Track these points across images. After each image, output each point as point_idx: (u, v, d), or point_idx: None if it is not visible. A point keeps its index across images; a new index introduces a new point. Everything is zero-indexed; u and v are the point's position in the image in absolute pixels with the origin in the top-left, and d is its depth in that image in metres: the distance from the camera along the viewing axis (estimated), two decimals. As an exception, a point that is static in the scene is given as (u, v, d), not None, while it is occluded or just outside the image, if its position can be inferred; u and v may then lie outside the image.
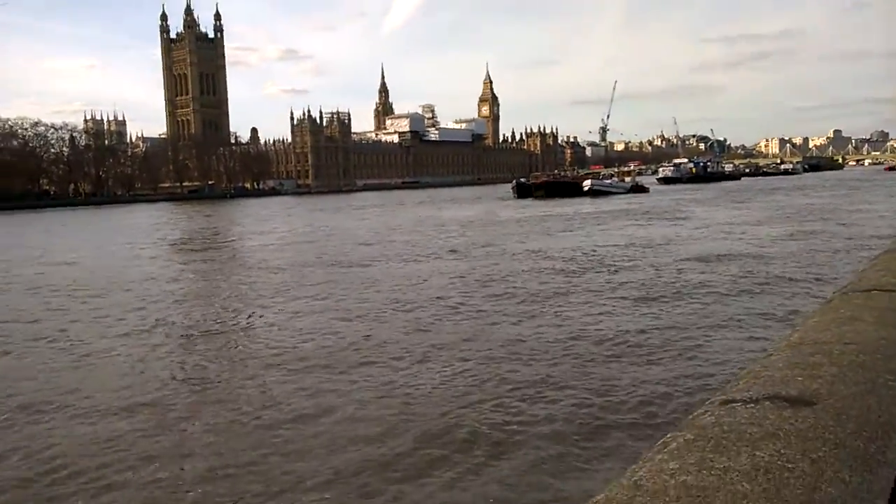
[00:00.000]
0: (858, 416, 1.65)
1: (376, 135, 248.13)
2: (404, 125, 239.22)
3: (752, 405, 1.68)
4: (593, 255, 26.73)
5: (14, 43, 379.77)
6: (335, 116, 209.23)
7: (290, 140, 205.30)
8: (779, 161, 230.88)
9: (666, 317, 14.77)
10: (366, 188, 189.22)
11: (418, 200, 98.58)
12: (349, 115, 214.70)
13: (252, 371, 11.97)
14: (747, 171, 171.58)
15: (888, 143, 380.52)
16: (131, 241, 43.49)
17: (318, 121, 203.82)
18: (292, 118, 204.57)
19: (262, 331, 15.60)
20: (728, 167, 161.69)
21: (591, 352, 12.02)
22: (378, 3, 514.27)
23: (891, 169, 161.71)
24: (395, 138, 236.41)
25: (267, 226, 56.13)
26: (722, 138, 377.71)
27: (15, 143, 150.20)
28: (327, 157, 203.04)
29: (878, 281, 3.45)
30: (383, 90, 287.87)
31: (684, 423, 1.67)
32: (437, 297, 18.19)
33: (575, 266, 23.83)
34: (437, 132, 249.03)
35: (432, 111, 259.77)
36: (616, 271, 22.20)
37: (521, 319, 15.14)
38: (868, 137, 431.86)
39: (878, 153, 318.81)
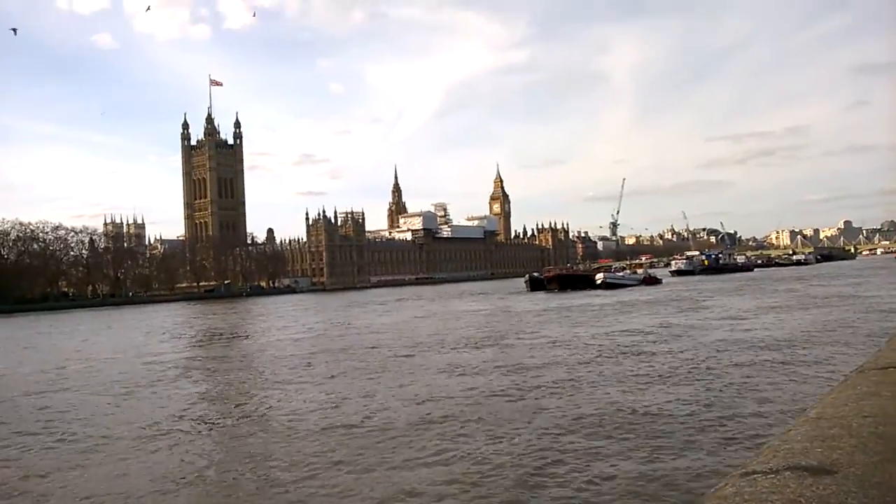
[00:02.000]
0: (881, 483, 1.63)
1: (390, 233, 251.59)
2: (417, 223, 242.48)
3: (773, 475, 1.67)
4: (628, 341, 26.57)
5: (42, 150, 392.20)
6: (349, 216, 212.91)
7: (305, 239, 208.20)
8: (791, 252, 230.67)
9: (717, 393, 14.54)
10: (379, 284, 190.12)
11: (433, 296, 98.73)
12: (363, 214, 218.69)
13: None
14: (759, 262, 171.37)
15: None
16: (164, 339, 43.71)
17: (332, 220, 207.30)
18: (307, 218, 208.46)
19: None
20: (740, 259, 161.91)
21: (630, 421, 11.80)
22: (392, 109, 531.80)
23: None
24: (409, 236, 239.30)
25: (289, 321, 56.19)
26: (732, 231, 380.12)
27: (36, 246, 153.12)
28: (342, 256, 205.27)
29: (893, 359, 3.46)
30: (396, 190, 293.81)
31: (705, 497, 1.67)
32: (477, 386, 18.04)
33: (609, 351, 23.79)
34: (449, 229, 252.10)
35: (444, 209, 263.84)
36: (653, 354, 22.25)
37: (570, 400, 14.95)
38: (879, 227, 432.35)
39: (888, 242, 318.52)
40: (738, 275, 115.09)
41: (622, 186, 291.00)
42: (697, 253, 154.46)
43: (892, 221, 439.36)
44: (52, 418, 17.63)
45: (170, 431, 15.36)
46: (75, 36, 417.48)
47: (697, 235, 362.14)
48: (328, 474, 11.15)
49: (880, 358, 3.69)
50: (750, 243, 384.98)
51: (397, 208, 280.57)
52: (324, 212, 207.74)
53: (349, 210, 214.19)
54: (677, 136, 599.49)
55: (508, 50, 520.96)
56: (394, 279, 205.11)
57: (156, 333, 50.71)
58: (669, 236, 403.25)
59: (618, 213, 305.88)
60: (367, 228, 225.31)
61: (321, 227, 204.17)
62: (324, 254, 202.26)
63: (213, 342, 41.79)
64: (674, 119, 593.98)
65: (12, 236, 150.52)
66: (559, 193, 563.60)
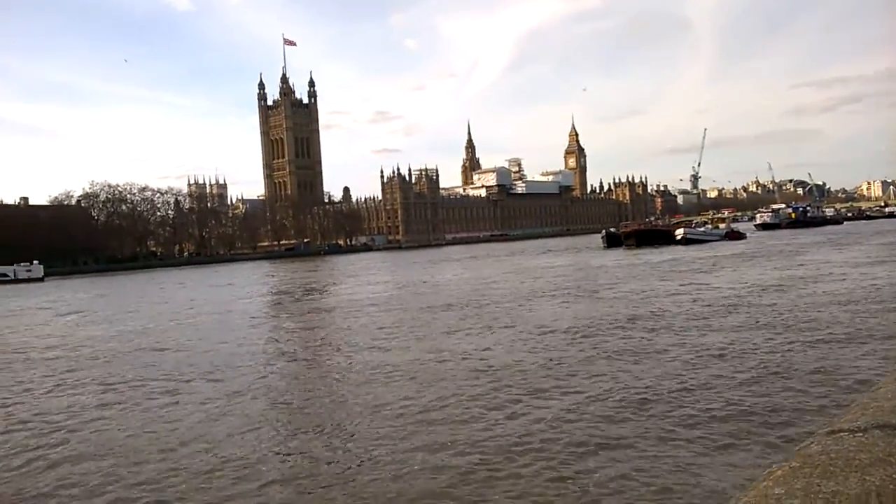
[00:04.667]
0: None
1: (464, 189, 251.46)
2: (491, 179, 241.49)
3: (861, 434, 1.65)
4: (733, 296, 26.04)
5: (126, 112, 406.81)
6: (424, 173, 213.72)
7: (380, 197, 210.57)
8: (883, 204, 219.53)
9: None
10: (454, 242, 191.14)
11: (509, 252, 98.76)
12: (437, 171, 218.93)
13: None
14: (849, 214, 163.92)
15: None
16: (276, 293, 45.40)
17: (407, 178, 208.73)
18: (382, 176, 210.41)
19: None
20: (829, 211, 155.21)
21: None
22: (465, 63, 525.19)
23: None
24: (483, 192, 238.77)
25: (384, 276, 57.70)
26: (820, 182, 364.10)
27: (124, 207, 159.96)
28: (416, 213, 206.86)
29: None
30: (470, 146, 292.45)
31: (791, 454, 1.65)
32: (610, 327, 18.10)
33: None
34: (523, 185, 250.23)
35: (519, 164, 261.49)
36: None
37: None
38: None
39: None
40: (826, 228, 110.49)
41: (703, 137, 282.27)
42: (783, 206, 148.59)
43: None
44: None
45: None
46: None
47: (783, 187, 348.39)
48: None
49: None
50: (839, 195, 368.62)
51: (471, 164, 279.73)
52: (398, 169, 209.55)
53: (423, 167, 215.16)
54: (761, 83, 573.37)
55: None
56: (468, 236, 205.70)
57: (260, 289, 52.93)
58: (754, 189, 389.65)
59: (699, 165, 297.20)
60: (442, 185, 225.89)
61: (396, 184, 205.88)
62: (399, 211, 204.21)
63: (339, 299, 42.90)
64: (757, 65, 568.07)
65: (102, 198, 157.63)
66: (637, 146, 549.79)
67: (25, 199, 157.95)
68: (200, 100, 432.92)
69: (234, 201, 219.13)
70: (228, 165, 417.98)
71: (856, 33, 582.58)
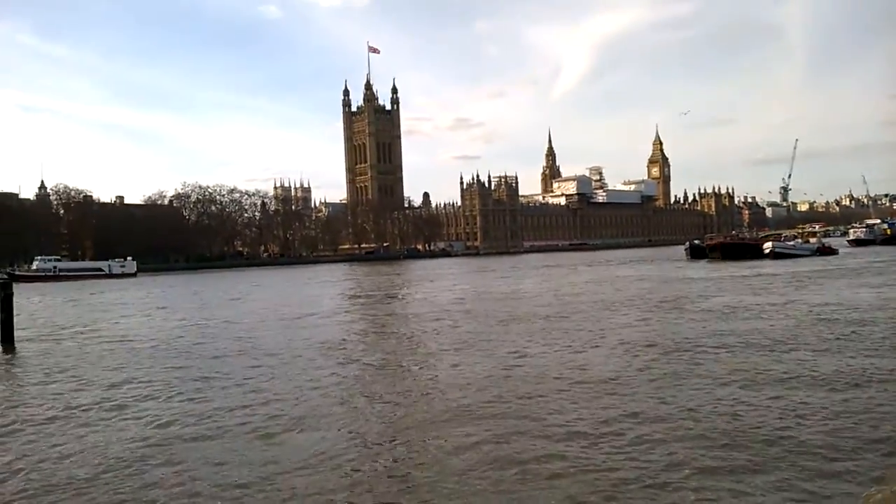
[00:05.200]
0: None
1: (543, 197, 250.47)
2: (571, 188, 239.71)
3: None
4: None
5: (217, 117, 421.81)
6: (503, 180, 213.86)
7: (459, 203, 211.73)
8: None
9: None
10: (532, 250, 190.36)
11: (589, 261, 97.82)
12: (516, 178, 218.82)
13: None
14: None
15: None
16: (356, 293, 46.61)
17: (486, 185, 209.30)
18: (462, 182, 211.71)
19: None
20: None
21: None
22: (548, 68, 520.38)
23: None
24: (563, 201, 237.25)
25: (467, 283, 57.86)
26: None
27: (213, 208, 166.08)
28: (495, 220, 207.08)
29: None
30: (550, 153, 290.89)
31: (888, 477, 1.72)
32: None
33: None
34: (604, 194, 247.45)
35: (600, 173, 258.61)
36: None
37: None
38: None
39: None
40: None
41: (794, 148, 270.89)
42: (879, 221, 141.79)
43: None
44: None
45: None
46: (245, 8, 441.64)
47: (878, 202, 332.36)
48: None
49: None
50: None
51: (551, 172, 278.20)
52: (477, 176, 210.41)
53: (503, 174, 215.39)
54: (856, 93, 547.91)
55: (670, 3, 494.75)
56: (546, 245, 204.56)
57: (344, 290, 54.25)
58: (847, 203, 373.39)
59: (789, 176, 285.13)
60: (521, 193, 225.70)
61: (475, 191, 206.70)
62: (477, 218, 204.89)
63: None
64: (852, 73, 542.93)
65: (193, 199, 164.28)
66: (723, 156, 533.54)
67: (121, 197, 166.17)
68: (288, 106, 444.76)
69: (317, 205, 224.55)
70: (313, 170, 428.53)
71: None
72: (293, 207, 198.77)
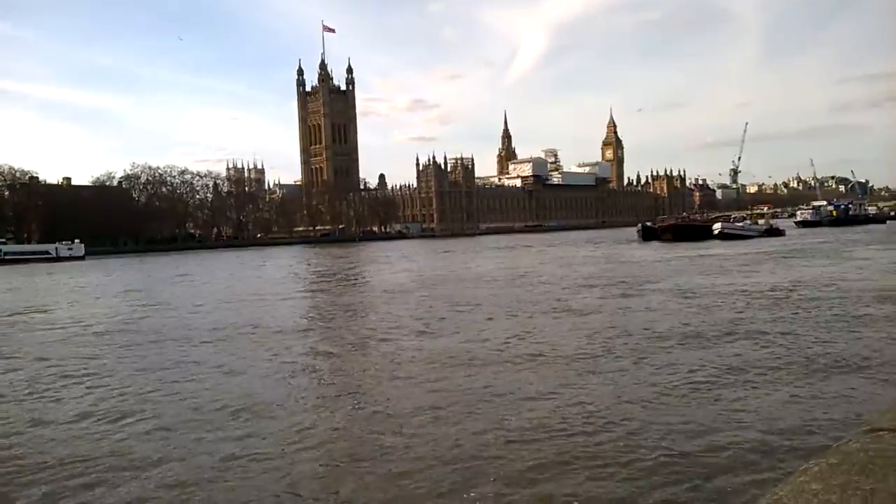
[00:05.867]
0: None
1: (499, 179, 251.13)
2: (527, 170, 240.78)
3: (900, 434, 1.73)
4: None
5: (168, 96, 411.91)
6: (459, 162, 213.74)
7: (415, 185, 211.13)
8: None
9: None
10: (488, 231, 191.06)
11: (545, 243, 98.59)
12: (472, 160, 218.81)
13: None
14: (893, 213, 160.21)
15: None
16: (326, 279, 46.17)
17: (442, 166, 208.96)
18: (418, 164, 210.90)
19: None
20: (872, 210, 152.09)
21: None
22: (504, 51, 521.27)
23: None
24: (518, 182, 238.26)
25: (430, 263, 57.87)
26: (864, 180, 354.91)
27: (164, 189, 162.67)
28: (451, 202, 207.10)
29: None
30: (506, 136, 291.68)
31: (829, 451, 1.72)
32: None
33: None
34: (559, 176, 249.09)
35: (555, 155, 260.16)
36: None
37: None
38: None
39: None
40: (869, 227, 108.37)
41: (744, 131, 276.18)
42: (825, 203, 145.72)
43: None
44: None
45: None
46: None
47: (825, 184, 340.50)
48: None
49: None
50: (882, 193, 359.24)
51: (507, 154, 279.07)
52: (434, 158, 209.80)
53: (459, 156, 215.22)
54: (806, 78, 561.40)
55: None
56: (502, 226, 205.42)
57: (299, 272, 53.74)
58: (795, 185, 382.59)
59: (739, 159, 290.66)
60: (477, 174, 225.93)
61: (431, 173, 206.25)
62: (434, 200, 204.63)
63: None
64: (803, 59, 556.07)
65: (143, 180, 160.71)
66: (676, 139, 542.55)
67: (68, 179, 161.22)
68: (241, 86, 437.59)
69: (271, 186, 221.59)
70: (267, 151, 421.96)
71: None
72: (246, 189, 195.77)
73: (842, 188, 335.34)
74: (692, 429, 9.86)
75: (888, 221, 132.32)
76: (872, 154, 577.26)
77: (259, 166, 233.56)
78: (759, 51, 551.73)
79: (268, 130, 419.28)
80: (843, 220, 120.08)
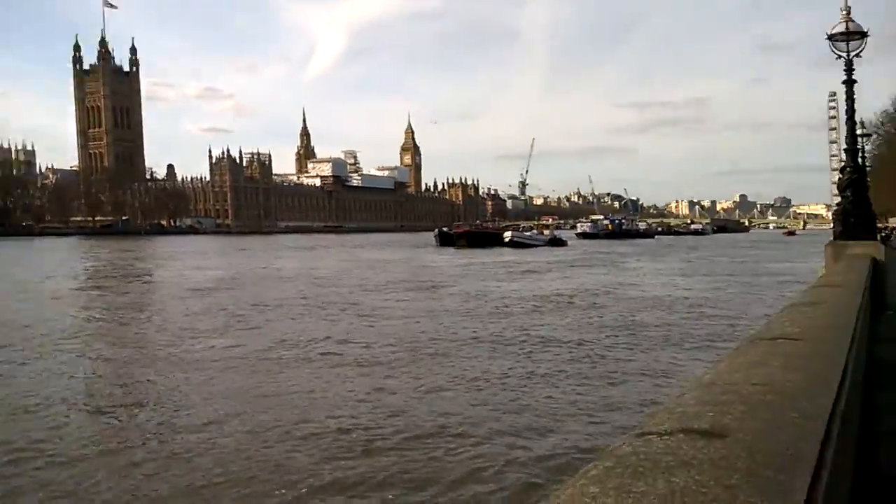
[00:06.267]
0: (768, 449, 1.70)
1: (298, 178, 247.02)
2: (326, 169, 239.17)
3: (667, 437, 1.74)
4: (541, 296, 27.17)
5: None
6: (256, 157, 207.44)
7: (208, 178, 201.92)
8: (689, 221, 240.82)
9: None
10: (287, 230, 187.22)
11: (345, 244, 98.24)
12: (270, 156, 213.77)
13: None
14: (660, 229, 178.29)
15: (790, 210, 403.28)
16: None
17: (238, 160, 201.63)
18: (211, 156, 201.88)
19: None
20: (642, 225, 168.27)
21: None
22: (301, 48, 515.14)
23: (789, 234, 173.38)
24: (317, 182, 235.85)
25: (210, 262, 54.59)
26: (635, 198, 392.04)
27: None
28: (248, 198, 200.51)
29: (783, 330, 3.65)
30: (305, 133, 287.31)
31: (604, 454, 1.71)
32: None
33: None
34: (359, 178, 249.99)
35: (355, 157, 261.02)
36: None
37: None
38: (772, 203, 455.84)
39: (780, 218, 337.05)
40: (639, 241, 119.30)
41: (531, 146, 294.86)
42: (602, 217, 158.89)
43: (784, 198, 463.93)
44: None
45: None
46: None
47: (602, 200, 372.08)
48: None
49: (770, 328, 3.87)
50: (651, 211, 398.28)
51: (306, 153, 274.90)
52: (228, 151, 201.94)
53: (255, 150, 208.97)
54: (588, 100, 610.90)
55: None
56: (301, 225, 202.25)
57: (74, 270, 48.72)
58: (576, 199, 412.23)
59: (527, 172, 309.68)
60: (275, 171, 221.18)
61: (225, 166, 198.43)
62: (228, 195, 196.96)
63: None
64: (586, 82, 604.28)
65: None
66: (471, 149, 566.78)
67: None
68: (8, 59, 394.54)
69: (43, 170, 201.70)
70: (38, 131, 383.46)
71: (673, 61, 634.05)
72: (13, 172, 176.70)
73: (616, 204, 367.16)
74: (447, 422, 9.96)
75: (657, 236, 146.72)
76: (642, 175, 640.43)
77: (29, 147, 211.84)
78: (546, 72, 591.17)
79: (39, 110, 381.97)
80: (618, 233, 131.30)
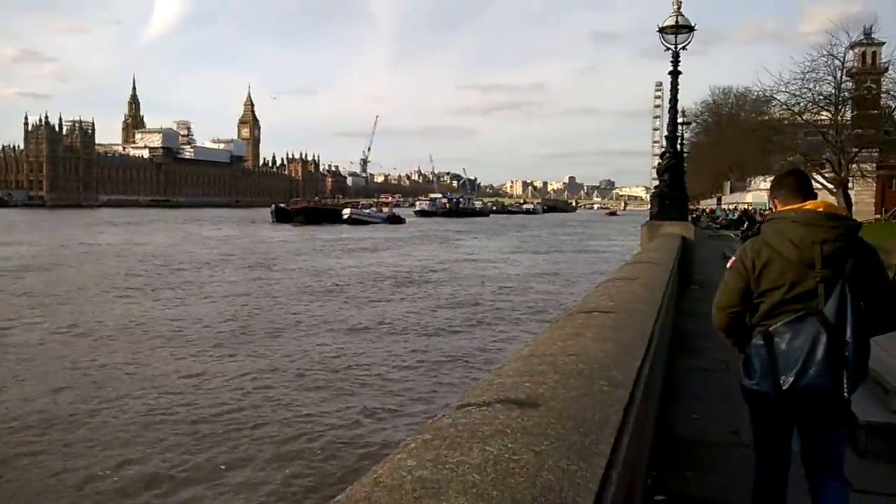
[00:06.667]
0: (576, 416, 1.82)
1: (124, 148, 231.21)
2: (156, 140, 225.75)
3: (486, 407, 1.81)
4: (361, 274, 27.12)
5: None
6: (78, 125, 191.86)
7: (23, 147, 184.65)
8: (522, 201, 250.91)
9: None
10: (109, 204, 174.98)
11: (175, 219, 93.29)
12: (93, 125, 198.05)
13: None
14: (495, 208, 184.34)
15: (614, 191, 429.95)
16: None
17: (57, 128, 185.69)
18: (27, 124, 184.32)
19: None
20: (478, 204, 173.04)
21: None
22: (136, 11, 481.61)
23: (611, 214, 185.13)
24: (146, 154, 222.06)
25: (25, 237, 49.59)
26: (473, 177, 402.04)
27: None
28: (66, 169, 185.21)
29: (598, 304, 3.90)
30: (134, 101, 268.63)
31: (424, 426, 1.74)
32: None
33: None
34: (192, 150, 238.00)
35: (188, 128, 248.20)
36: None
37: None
38: (598, 185, 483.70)
39: (604, 199, 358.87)
40: (475, 219, 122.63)
41: (375, 124, 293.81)
42: (441, 196, 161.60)
43: (608, 180, 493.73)
44: None
45: None
46: None
47: (441, 179, 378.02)
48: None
49: (586, 302, 4.12)
50: (487, 190, 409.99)
51: (134, 122, 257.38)
52: (46, 118, 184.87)
53: (78, 118, 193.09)
54: (432, 80, 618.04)
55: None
56: (127, 199, 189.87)
57: None
58: (416, 178, 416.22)
59: (369, 150, 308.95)
60: (99, 141, 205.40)
61: (42, 135, 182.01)
62: (44, 165, 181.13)
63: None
64: (430, 62, 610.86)
65: None
66: (314, 124, 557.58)
67: None
68: None
69: None
70: None
71: (515, 46, 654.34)
72: None
73: (455, 183, 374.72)
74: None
75: (491, 215, 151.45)
76: (480, 155, 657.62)
77: None
78: (392, 50, 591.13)
79: None
80: (455, 211, 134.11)
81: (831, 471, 2.96)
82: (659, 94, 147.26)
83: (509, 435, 1.56)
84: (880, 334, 3.05)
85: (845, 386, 2.74)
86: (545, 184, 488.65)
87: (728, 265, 3.18)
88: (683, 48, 13.87)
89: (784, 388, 2.79)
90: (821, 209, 2.86)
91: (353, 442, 8.88)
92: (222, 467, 7.97)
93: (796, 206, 2.92)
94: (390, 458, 1.43)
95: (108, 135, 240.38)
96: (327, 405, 10.40)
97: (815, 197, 2.99)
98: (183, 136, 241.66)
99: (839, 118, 35.59)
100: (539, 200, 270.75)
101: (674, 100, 14.80)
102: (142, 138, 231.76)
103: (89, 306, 19.69)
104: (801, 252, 2.79)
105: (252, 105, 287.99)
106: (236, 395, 10.88)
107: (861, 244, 2.87)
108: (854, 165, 35.53)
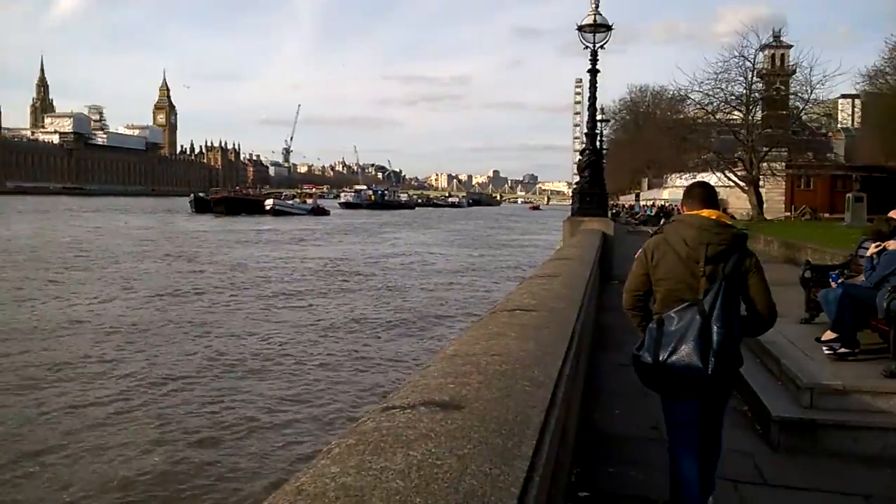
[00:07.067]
0: (499, 417, 1.82)
1: (33, 133, 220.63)
2: (67, 125, 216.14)
3: (410, 410, 1.81)
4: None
5: None
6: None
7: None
8: (447, 195, 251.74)
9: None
10: (16, 191, 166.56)
11: (87, 208, 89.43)
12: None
13: None
14: (420, 201, 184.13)
15: (537, 186, 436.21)
16: None
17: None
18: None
19: None
20: (404, 197, 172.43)
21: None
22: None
23: (534, 208, 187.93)
24: (56, 139, 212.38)
25: None
26: (398, 169, 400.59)
27: None
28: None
29: (521, 302, 3.94)
30: (42, 84, 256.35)
31: (348, 430, 1.72)
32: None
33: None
34: (105, 136, 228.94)
35: (100, 113, 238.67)
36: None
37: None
38: (522, 179, 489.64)
39: (528, 194, 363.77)
40: (401, 211, 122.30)
41: (297, 113, 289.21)
42: (366, 188, 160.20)
43: (531, 175, 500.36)
44: None
45: None
46: None
47: (366, 170, 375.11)
48: None
49: (510, 300, 4.16)
50: (413, 183, 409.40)
51: (43, 106, 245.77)
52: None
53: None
54: (356, 70, 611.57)
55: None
56: (35, 187, 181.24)
57: None
58: (340, 168, 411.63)
59: (291, 139, 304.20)
60: (4, 125, 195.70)
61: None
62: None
63: None
64: (354, 51, 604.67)
65: None
66: (232, 111, 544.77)
67: None
68: None
69: None
70: None
71: (440, 37, 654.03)
72: None
73: (380, 175, 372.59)
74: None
75: (417, 207, 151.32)
76: (406, 147, 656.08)
77: None
78: (314, 39, 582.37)
79: None
80: (380, 204, 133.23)
81: (685, 440, 3.42)
82: (579, 90, 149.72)
83: (433, 439, 1.56)
84: (752, 336, 3.82)
85: (710, 366, 3.18)
86: (470, 177, 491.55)
87: (636, 256, 3.65)
88: (601, 47, 14.22)
89: (660, 360, 3.28)
90: (713, 217, 3.37)
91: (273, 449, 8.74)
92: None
93: (696, 212, 3.42)
94: (314, 464, 1.41)
95: (16, 119, 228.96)
96: (241, 407, 10.20)
97: (717, 207, 3.49)
98: (95, 121, 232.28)
99: (750, 118, 37.14)
100: (464, 194, 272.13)
101: (592, 97, 15.13)
102: (51, 123, 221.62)
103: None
104: (690, 251, 3.31)
105: (168, 90, 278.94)
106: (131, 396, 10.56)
107: (743, 250, 3.37)
108: (764, 164, 37.13)
